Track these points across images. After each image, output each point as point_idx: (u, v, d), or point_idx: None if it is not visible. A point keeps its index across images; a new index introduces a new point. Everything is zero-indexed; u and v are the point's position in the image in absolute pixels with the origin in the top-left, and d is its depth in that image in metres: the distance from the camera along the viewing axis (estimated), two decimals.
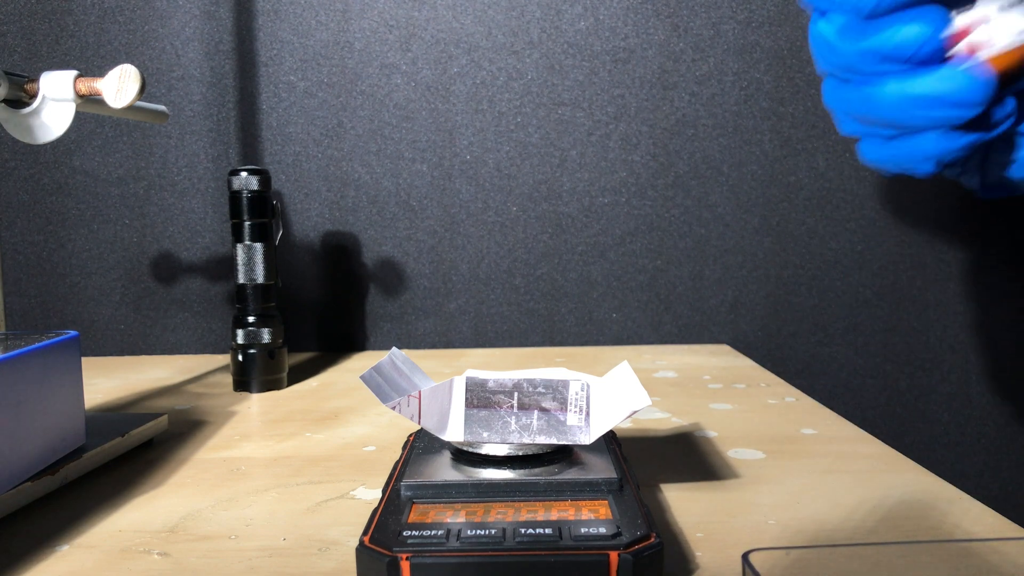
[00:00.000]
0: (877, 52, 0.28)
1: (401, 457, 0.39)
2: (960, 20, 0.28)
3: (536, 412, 0.37)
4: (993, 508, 0.38)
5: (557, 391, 0.37)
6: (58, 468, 0.41)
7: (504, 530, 0.30)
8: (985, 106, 0.28)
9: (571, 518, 0.31)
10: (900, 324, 0.85)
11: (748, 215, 0.84)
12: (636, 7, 0.82)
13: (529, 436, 0.36)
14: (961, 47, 0.29)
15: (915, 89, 0.29)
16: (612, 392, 0.37)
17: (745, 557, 0.26)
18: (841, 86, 0.31)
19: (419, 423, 0.36)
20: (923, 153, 0.31)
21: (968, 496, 0.40)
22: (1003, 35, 0.28)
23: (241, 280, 0.66)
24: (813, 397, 0.61)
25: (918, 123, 0.30)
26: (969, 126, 0.30)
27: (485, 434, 0.36)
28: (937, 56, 0.28)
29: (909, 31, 0.28)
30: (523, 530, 0.29)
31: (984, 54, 0.28)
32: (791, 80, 0.82)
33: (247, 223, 0.65)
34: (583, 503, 0.32)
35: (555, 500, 0.33)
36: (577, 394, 0.37)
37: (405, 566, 0.28)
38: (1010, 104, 0.29)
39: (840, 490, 0.41)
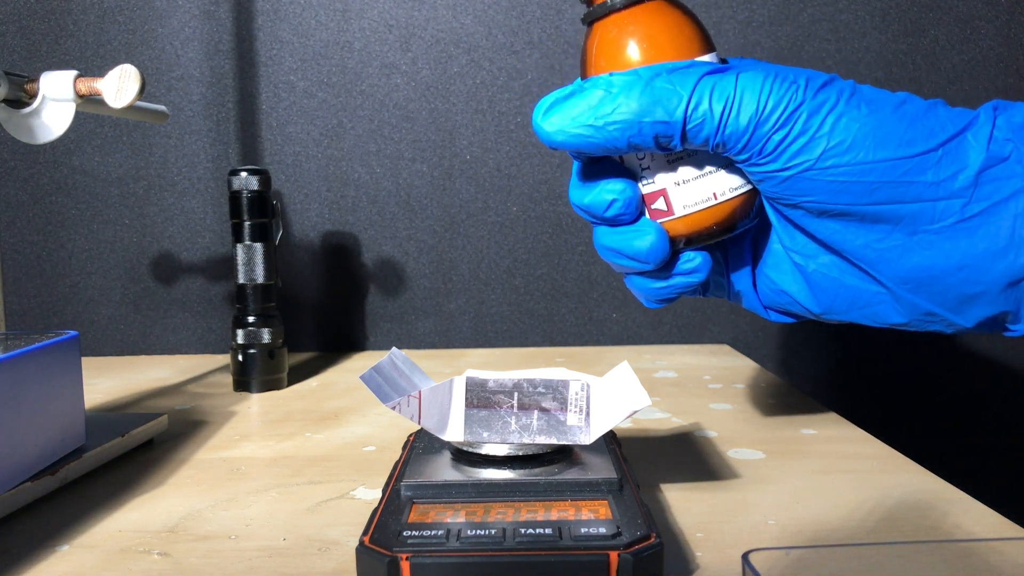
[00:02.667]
0: (583, 208, 0.34)
1: (401, 457, 0.39)
2: (644, 190, 0.34)
3: (536, 412, 0.37)
4: (993, 508, 0.38)
5: (557, 391, 0.37)
6: (58, 468, 0.41)
7: (504, 530, 0.30)
8: (658, 262, 0.34)
9: (571, 518, 0.31)
10: None
11: None
12: None
13: (529, 436, 0.36)
14: (648, 212, 0.34)
15: (604, 241, 0.35)
16: (612, 392, 0.37)
17: (745, 557, 0.26)
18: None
19: (419, 423, 0.36)
20: (636, 290, 0.36)
21: (968, 496, 0.40)
22: (677, 206, 0.33)
23: (241, 280, 0.66)
24: (813, 397, 0.61)
25: (618, 268, 0.35)
26: (657, 276, 0.35)
27: (485, 434, 0.36)
28: (628, 217, 0.34)
29: (599, 195, 0.33)
30: (523, 530, 0.29)
31: (661, 220, 0.34)
32: None
33: (247, 223, 0.65)
34: (583, 503, 0.32)
35: (555, 500, 0.33)
36: (577, 394, 0.37)
37: (405, 566, 0.28)
38: (696, 259, 0.34)
39: (840, 490, 0.41)
